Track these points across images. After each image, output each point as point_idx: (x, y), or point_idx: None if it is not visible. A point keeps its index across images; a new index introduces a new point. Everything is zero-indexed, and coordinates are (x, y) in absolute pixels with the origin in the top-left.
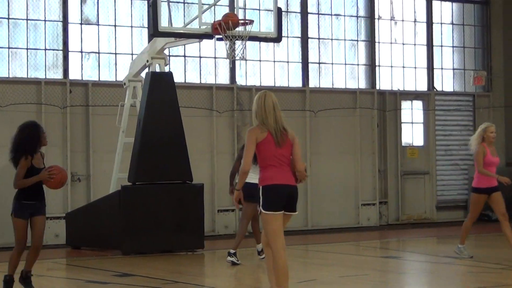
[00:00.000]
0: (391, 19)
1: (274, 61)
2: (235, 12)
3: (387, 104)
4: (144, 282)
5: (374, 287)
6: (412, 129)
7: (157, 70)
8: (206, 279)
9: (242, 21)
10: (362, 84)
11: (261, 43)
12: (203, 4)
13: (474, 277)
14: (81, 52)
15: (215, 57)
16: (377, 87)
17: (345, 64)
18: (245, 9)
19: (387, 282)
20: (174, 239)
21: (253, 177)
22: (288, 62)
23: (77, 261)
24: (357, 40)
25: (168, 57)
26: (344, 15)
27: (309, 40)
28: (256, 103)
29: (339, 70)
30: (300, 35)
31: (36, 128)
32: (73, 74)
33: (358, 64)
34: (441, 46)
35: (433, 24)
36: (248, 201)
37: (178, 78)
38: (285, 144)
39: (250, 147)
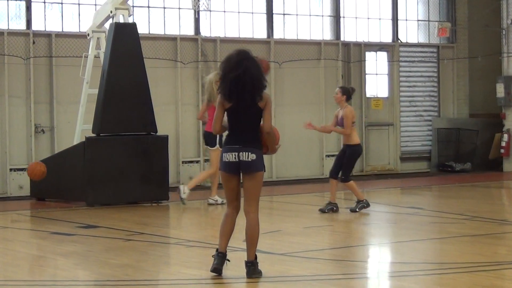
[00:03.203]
0: None
1: (239, 12)
2: None
3: (351, 56)
4: (109, 233)
5: (338, 237)
6: (377, 80)
7: (121, 21)
8: (171, 231)
9: None
10: (327, 36)
11: None
12: None
13: (438, 227)
14: (44, 2)
15: (179, 8)
16: (342, 39)
17: (310, 15)
18: None
19: (351, 233)
20: (139, 191)
21: None
22: (252, 13)
23: (42, 212)
24: None
25: (132, 7)
26: None
27: None
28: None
29: (303, 21)
30: None
31: None
32: (36, 25)
33: (322, 16)
34: None
35: None
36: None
37: (142, 29)
38: None
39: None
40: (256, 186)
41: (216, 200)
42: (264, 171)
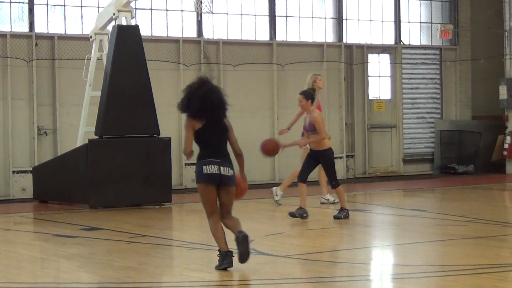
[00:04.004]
0: None
1: (241, 14)
2: None
3: (354, 58)
4: (111, 235)
5: (340, 240)
6: (379, 82)
7: (124, 23)
8: (174, 233)
9: None
10: (329, 38)
11: None
12: None
13: (440, 230)
14: (47, 4)
15: (182, 10)
16: (344, 41)
17: (312, 17)
18: None
19: (353, 235)
20: (142, 193)
21: None
22: (255, 15)
23: (44, 215)
24: None
25: (134, 10)
26: None
27: None
28: None
29: (306, 24)
30: None
31: None
32: (39, 27)
33: (325, 18)
34: None
35: None
36: None
37: (144, 31)
38: None
39: None
40: (232, 199)
41: (328, 199)
42: None
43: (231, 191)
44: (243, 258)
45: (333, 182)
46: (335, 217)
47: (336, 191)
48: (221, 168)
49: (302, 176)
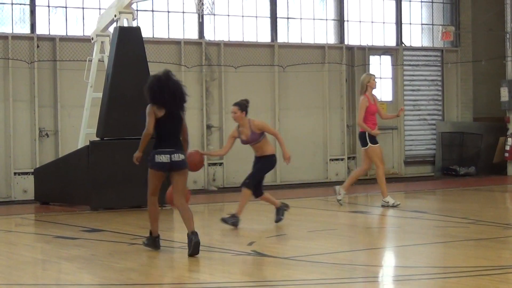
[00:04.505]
0: None
1: (243, 16)
2: None
3: (355, 59)
4: (112, 237)
5: (342, 241)
6: (381, 84)
7: (125, 24)
8: (175, 234)
9: None
10: (331, 39)
11: None
12: None
13: (442, 231)
14: (48, 6)
15: (183, 12)
16: (346, 42)
17: (314, 19)
18: None
19: (355, 237)
20: (143, 195)
21: None
22: (256, 17)
23: (46, 216)
24: None
25: (136, 11)
26: None
27: None
28: None
29: (307, 25)
30: None
31: None
32: (41, 29)
33: (326, 19)
34: (410, 1)
35: None
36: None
37: (146, 33)
38: None
39: None
40: (185, 180)
41: (388, 202)
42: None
43: (183, 173)
44: (192, 255)
45: (247, 180)
46: (222, 220)
47: (242, 193)
48: (172, 156)
49: (257, 190)
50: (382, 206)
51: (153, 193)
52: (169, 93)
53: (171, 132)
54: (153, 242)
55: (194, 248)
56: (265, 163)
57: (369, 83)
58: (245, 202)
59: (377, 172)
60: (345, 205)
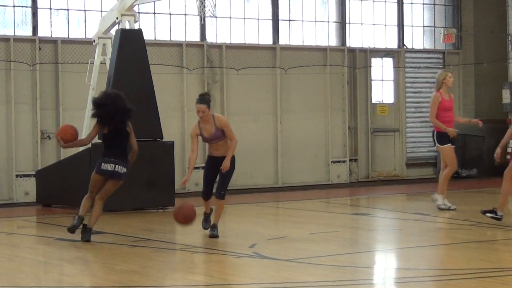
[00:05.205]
0: None
1: (245, 18)
2: None
3: (357, 62)
4: (114, 239)
5: (344, 244)
6: (382, 86)
7: (127, 27)
8: (177, 236)
9: None
10: (333, 42)
11: None
12: None
13: (443, 234)
14: (50, 8)
15: (185, 14)
16: (347, 44)
17: (315, 21)
18: None
19: (357, 239)
20: (145, 197)
21: None
22: (258, 19)
23: (48, 218)
24: None
25: (137, 14)
26: None
27: None
28: None
29: (309, 27)
30: None
31: None
32: (42, 31)
33: (328, 21)
34: (411, 3)
35: None
36: None
37: (148, 35)
38: None
39: None
40: (113, 188)
41: (445, 204)
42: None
43: (117, 183)
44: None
45: (222, 192)
46: (211, 235)
47: (217, 204)
48: (116, 166)
49: (209, 193)
50: (441, 209)
51: (91, 192)
52: (111, 115)
53: (116, 145)
54: (77, 219)
55: (84, 235)
56: (232, 167)
57: (445, 80)
58: (221, 212)
59: (444, 172)
60: (347, 207)
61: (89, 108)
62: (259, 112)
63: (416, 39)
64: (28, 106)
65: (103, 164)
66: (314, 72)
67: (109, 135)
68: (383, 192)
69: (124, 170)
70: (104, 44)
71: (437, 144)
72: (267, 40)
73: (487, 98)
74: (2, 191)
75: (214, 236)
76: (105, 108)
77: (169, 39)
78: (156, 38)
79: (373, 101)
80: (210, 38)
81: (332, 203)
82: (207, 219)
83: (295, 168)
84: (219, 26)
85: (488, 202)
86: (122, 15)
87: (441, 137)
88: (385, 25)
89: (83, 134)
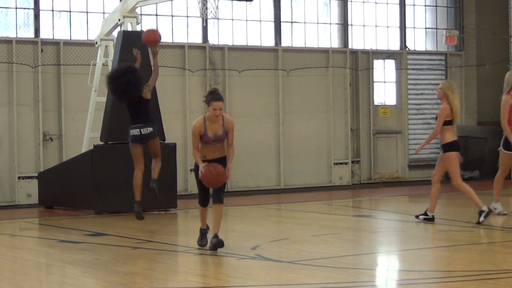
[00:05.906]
0: None
1: (247, 20)
2: None
3: (359, 63)
4: (117, 241)
5: (346, 245)
6: (385, 88)
7: (129, 29)
8: (179, 238)
9: None
10: (335, 43)
11: (234, 1)
12: None
13: (446, 235)
14: (52, 10)
15: (187, 16)
16: (350, 46)
17: (318, 23)
18: None
19: (359, 241)
20: (147, 199)
21: None
22: (260, 21)
23: (50, 220)
24: None
25: (140, 16)
26: None
27: None
28: None
29: (311, 29)
30: None
31: None
32: (45, 33)
33: (330, 23)
34: (414, 5)
35: None
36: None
37: None
38: None
39: None
40: (156, 146)
41: (496, 209)
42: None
43: (154, 142)
44: (153, 200)
45: (221, 195)
46: (216, 243)
47: (215, 209)
48: (141, 129)
49: (207, 200)
50: (497, 214)
51: (136, 163)
52: (122, 92)
53: (137, 113)
54: (137, 205)
55: (151, 182)
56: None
57: None
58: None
59: (498, 176)
60: (349, 209)
61: (91, 111)
62: (261, 114)
63: (418, 41)
64: (30, 108)
65: (131, 131)
66: (316, 74)
67: (129, 105)
68: (385, 194)
69: (150, 129)
70: (106, 46)
71: (500, 148)
72: (269, 42)
73: (489, 100)
74: (4, 193)
75: (219, 243)
76: (123, 89)
77: (171, 41)
78: None
79: (375, 103)
80: (212, 40)
81: (334, 205)
82: (203, 236)
83: (297, 169)
84: (221, 28)
85: (489, 203)
86: (124, 17)
87: (509, 143)
88: (387, 27)
89: (85, 134)
